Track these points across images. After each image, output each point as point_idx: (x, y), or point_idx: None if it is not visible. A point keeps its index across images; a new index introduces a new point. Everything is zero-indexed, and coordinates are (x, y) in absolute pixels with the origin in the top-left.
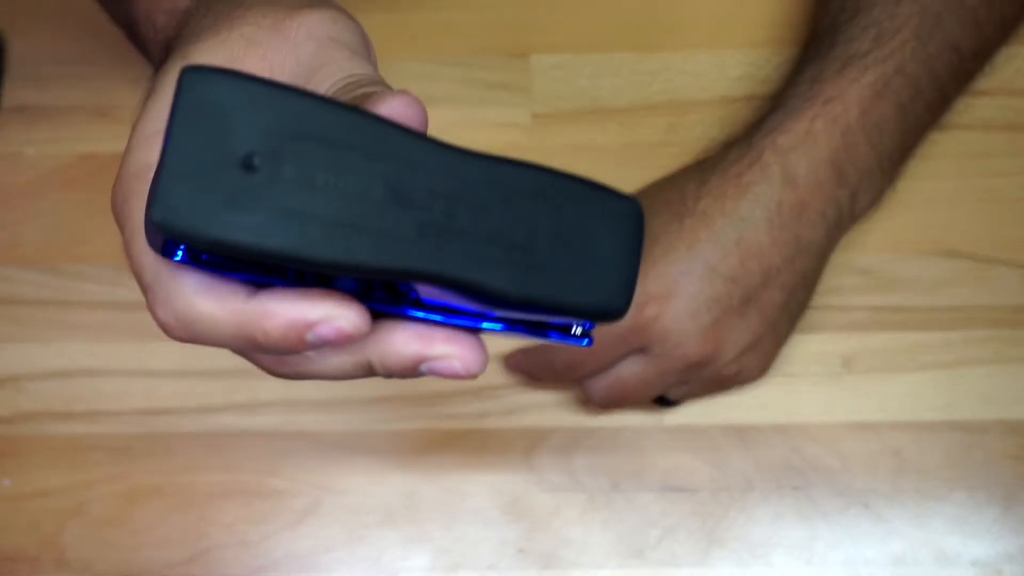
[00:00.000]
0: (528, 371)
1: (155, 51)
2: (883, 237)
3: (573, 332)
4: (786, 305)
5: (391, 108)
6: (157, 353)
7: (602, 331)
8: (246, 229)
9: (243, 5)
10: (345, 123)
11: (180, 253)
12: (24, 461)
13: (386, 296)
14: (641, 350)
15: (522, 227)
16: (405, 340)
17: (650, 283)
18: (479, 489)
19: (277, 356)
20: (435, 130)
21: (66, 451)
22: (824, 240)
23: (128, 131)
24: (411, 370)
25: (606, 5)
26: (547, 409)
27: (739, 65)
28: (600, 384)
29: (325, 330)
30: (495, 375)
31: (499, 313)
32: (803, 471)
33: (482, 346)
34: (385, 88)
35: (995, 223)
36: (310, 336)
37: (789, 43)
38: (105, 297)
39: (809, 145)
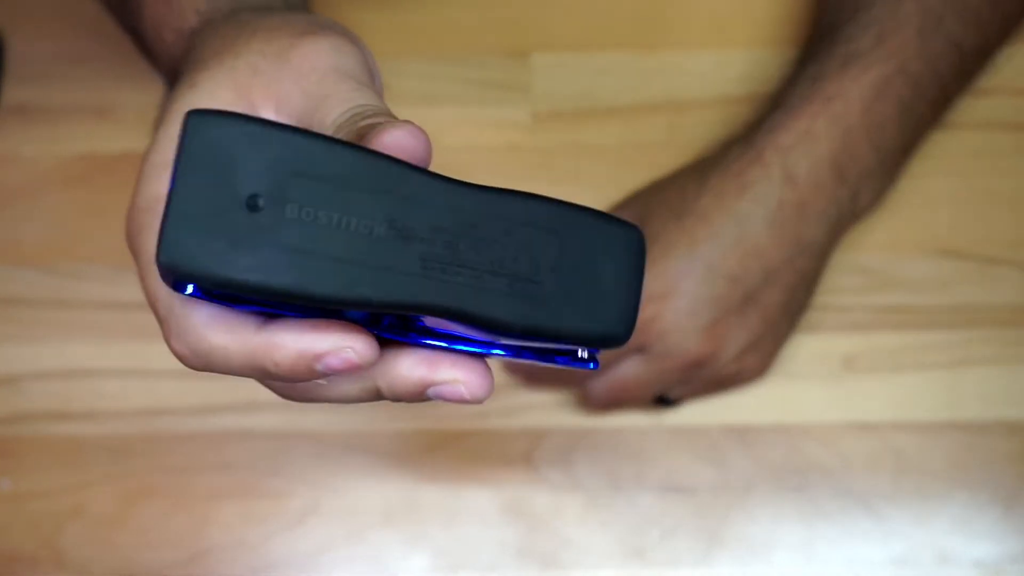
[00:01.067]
0: (528, 372)
1: (164, 65)
2: (883, 237)
3: (579, 356)
4: (787, 305)
5: (394, 139)
6: (157, 353)
7: None
8: (251, 269)
9: (248, 29)
10: (347, 161)
11: (191, 287)
12: (23, 461)
13: (395, 324)
14: (640, 350)
15: (524, 258)
16: (411, 365)
17: (649, 283)
18: (479, 489)
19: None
20: (435, 130)
21: (65, 451)
22: (825, 239)
23: (128, 131)
24: (418, 395)
25: (606, 4)
26: (547, 409)
27: (740, 65)
28: (600, 385)
29: (333, 360)
30: (495, 375)
31: (504, 341)
32: (803, 471)
33: (488, 371)
34: (389, 118)
35: (996, 222)
36: (319, 366)
37: (790, 42)
38: (105, 297)
39: (810, 144)
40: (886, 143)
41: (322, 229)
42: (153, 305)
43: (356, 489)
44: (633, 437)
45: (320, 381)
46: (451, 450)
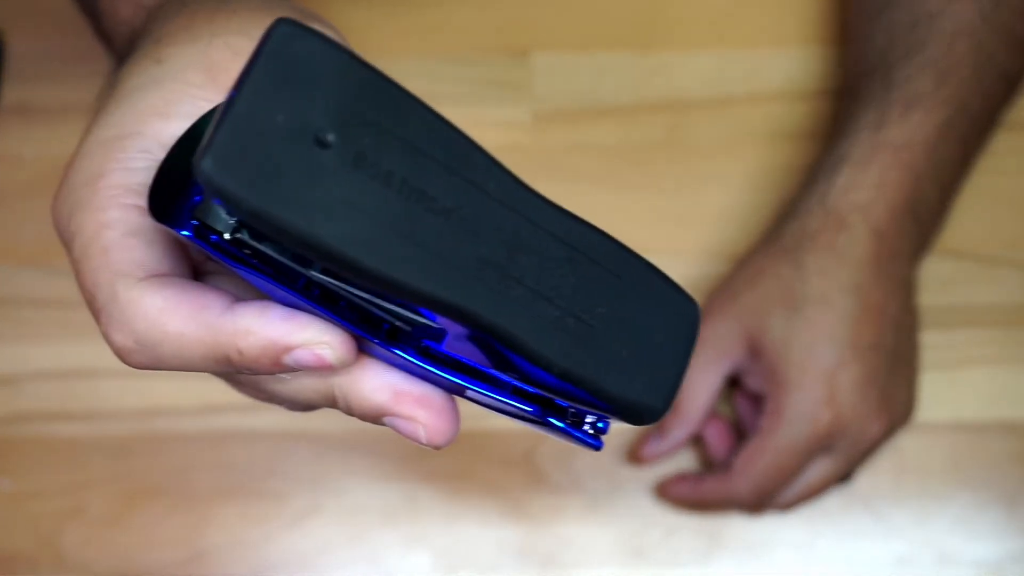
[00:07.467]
0: (695, 500)
1: (118, 44)
2: None
3: (584, 427)
4: (916, 343)
5: None
6: None
7: (785, 453)
8: (297, 209)
9: (226, 8)
10: (432, 129)
11: (190, 230)
12: (23, 461)
13: (391, 335)
14: (824, 451)
15: (583, 295)
16: (375, 388)
17: (811, 386)
18: (479, 489)
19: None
20: None
21: (65, 451)
22: (912, 273)
23: None
24: (372, 418)
25: (607, 4)
26: None
27: (739, 65)
28: (788, 497)
29: (305, 356)
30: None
31: (517, 382)
32: None
33: (455, 417)
34: None
35: (997, 222)
36: (288, 359)
37: (789, 43)
38: None
39: (886, 196)
40: (948, 179)
41: (388, 193)
42: (91, 293)
43: (356, 489)
44: (633, 437)
45: (283, 376)
46: (451, 450)
